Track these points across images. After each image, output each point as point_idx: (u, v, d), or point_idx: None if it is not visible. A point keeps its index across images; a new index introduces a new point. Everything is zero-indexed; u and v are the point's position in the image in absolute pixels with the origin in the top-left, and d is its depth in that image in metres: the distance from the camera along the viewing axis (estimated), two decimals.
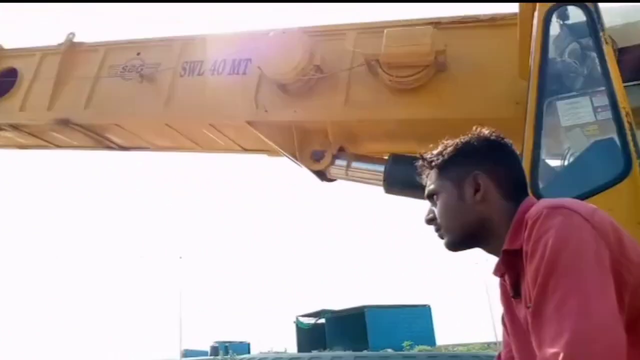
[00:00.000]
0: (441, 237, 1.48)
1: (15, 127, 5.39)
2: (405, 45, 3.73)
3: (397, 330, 38.80)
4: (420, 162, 1.54)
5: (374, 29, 4.17)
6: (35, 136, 5.63)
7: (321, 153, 4.40)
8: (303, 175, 4.78)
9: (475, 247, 1.47)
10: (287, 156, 4.64)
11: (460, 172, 1.42)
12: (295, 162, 4.67)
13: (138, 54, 4.85)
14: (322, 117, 4.27)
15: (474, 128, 1.50)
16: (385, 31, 3.87)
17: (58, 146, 5.99)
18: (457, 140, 1.48)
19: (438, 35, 3.80)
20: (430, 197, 1.49)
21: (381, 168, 4.22)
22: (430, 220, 1.50)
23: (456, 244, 1.45)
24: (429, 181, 1.50)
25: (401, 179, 4.04)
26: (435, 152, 1.50)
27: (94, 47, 5.12)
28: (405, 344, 35.42)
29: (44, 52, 5.27)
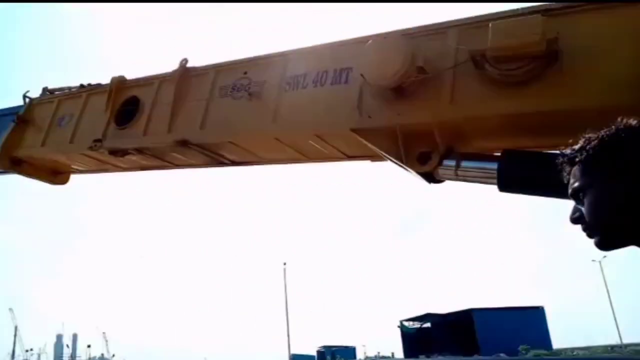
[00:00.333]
0: (590, 236, 1.42)
1: (140, 151, 5.90)
2: (513, 37, 3.60)
3: (508, 333, 37.02)
4: (560, 159, 1.49)
5: (478, 23, 4.06)
6: (157, 158, 6.13)
7: (428, 154, 4.35)
8: (406, 178, 4.76)
9: (630, 245, 1.39)
10: (392, 160, 4.65)
11: (609, 166, 1.36)
12: (401, 166, 4.65)
13: (245, 73, 5.11)
14: (427, 118, 4.22)
15: (618, 119, 1.42)
16: (490, 24, 3.76)
17: (177, 166, 6.47)
18: (601, 132, 1.41)
19: (548, 23, 3.62)
20: (576, 195, 1.44)
21: (493, 166, 4.08)
22: (577, 220, 1.44)
23: (609, 243, 1.39)
24: (573, 179, 1.44)
25: (517, 175, 3.90)
26: (576, 147, 1.44)
27: (204, 71, 5.47)
28: (521, 348, 33.64)
29: (161, 80, 5.72)
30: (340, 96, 4.54)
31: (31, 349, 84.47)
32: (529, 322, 38.39)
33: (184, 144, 5.48)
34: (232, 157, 5.94)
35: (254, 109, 4.97)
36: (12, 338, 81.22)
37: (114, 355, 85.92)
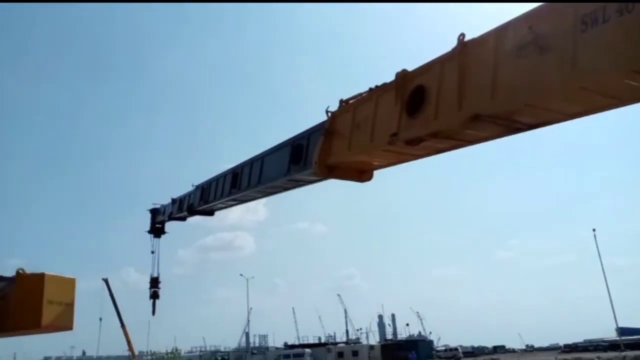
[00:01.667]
0: None
1: (434, 135, 6.08)
2: None
3: None
4: None
5: None
6: (450, 138, 6.23)
7: None
8: None
9: None
10: None
11: None
12: None
13: (529, 27, 4.75)
14: None
15: None
16: None
17: (469, 142, 6.45)
18: None
19: None
20: None
21: None
22: None
23: None
24: None
25: None
26: None
27: (483, 39, 5.30)
28: None
29: (441, 62, 5.78)
30: None
31: (360, 329, 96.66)
32: None
33: (476, 118, 5.42)
34: (528, 121, 5.60)
35: (548, 63, 4.57)
36: (344, 320, 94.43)
37: (430, 333, 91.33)
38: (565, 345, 72.40)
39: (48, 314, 9.54)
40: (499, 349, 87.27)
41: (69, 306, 9.84)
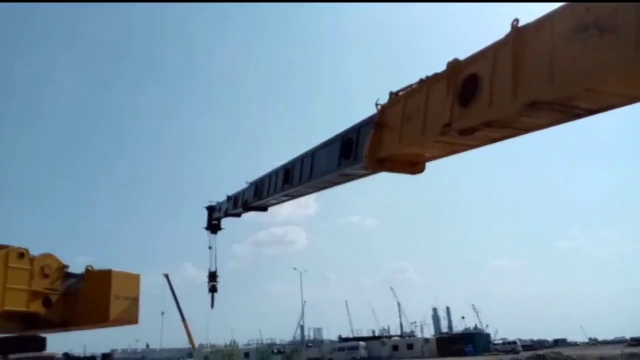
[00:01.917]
0: None
1: (487, 124, 5.95)
2: None
3: None
4: None
5: None
6: (505, 127, 6.07)
7: None
8: None
9: None
10: None
11: None
12: None
13: (588, 9, 4.56)
14: None
15: None
16: None
17: (526, 130, 6.27)
18: None
19: None
20: None
21: None
22: None
23: None
24: None
25: None
26: None
27: (539, 24, 5.12)
28: None
29: (495, 49, 5.63)
30: None
31: (415, 322, 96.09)
32: None
33: (533, 105, 5.26)
34: (588, 106, 5.38)
35: (609, 45, 4.37)
36: (398, 313, 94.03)
37: (487, 326, 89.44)
38: (632, 339, 69.09)
39: (115, 309, 10.06)
40: (560, 343, 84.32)
41: (135, 301, 10.34)
